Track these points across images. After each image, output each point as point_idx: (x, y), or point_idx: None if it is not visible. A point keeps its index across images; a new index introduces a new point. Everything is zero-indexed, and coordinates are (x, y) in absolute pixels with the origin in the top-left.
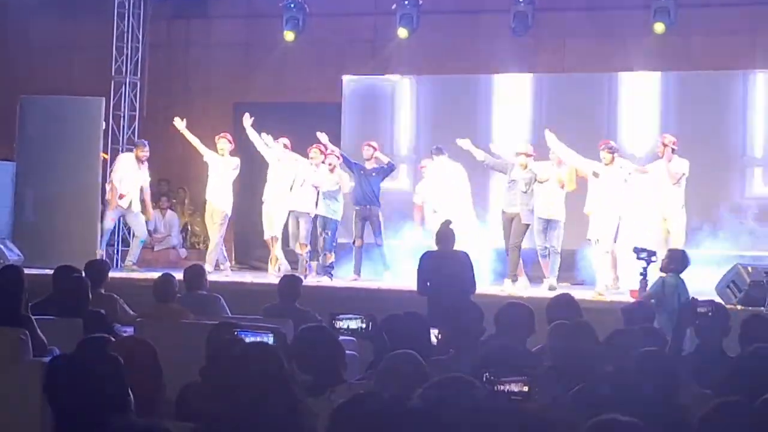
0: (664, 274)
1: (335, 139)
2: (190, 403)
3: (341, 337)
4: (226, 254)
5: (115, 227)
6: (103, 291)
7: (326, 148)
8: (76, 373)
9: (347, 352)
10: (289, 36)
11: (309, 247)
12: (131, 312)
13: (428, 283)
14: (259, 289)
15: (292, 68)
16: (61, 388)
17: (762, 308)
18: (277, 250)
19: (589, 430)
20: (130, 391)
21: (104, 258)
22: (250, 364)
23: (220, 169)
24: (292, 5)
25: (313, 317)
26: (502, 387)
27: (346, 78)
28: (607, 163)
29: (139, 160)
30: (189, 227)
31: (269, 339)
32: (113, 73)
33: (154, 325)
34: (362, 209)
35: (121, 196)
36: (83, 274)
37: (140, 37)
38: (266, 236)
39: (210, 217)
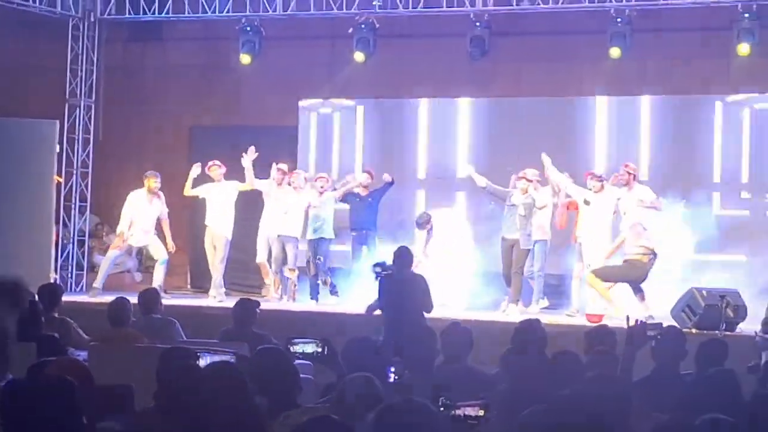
0: None
1: (292, 163)
2: (144, 427)
3: (297, 361)
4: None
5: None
6: (56, 315)
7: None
8: (29, 398)
9: (303, 376)
10: (245, 59)
11: (297, 272)
12: (85, 336)
13: (384, 306)
14: (214, 313)
15: (248, 92)
16: (14, 413)
17: (717, 332)
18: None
19: None
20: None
21: (58, 281)
22: (215, 384)
23: (216, 195)
24: (249, 29)
25: (270, 341)
26: (458, 411)
27: (303, 102)
28: (597, 191)
29: (151, 192)
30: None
31: (227, 361)
32: (68, 96)
33: (108, 349)
34: (359, 235)
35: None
36: (36, 298)
37: (95, 59)
38: (260, 260)
39: (210, 242)
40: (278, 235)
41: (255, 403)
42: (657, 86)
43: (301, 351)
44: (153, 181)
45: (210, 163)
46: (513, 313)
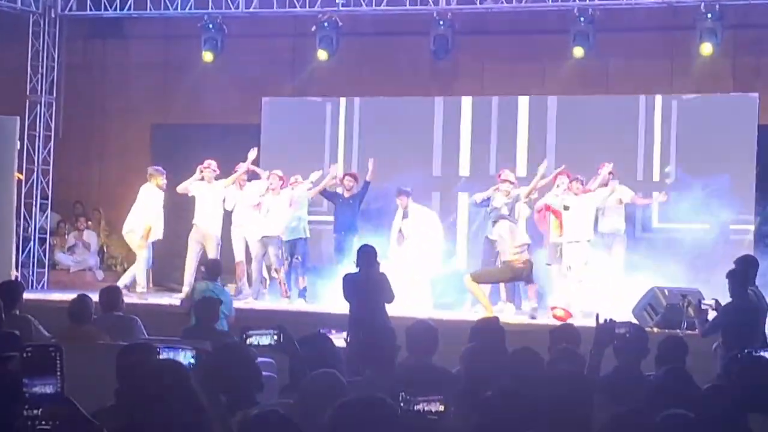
0: None
1: (254, 161)
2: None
3: (260, 359)
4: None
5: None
6: (17, 312)
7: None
8: None
9: (266, 373)
10: (207, 57)
11: (283, 270)
12: (46, 333)
13: (350, 304)
14: (176, 312)
15: (211, 89)
16: None
17: (678, 330)
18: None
19: None
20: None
21: (19, 279)
22: (159, 383)
23: (208, 196)
24: (211, 26)
25: (231, 339)
26: (418, 406)
27: (266, 99)
28: (577, 193)
29: (160, 189)
30: (105, 249)
31: (190, 355)
32: (28, 93)
33: (69, 346)
34: (341, 236)
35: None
36: None
37: (56, 56)
38: (237, 258)
39: (196, 240)
40: (261, 237)
41: (199, 402)
42: (620, 85)
43: (257, 343)
44: (161, 179)
45: (206, 163)
46: (509, 313)
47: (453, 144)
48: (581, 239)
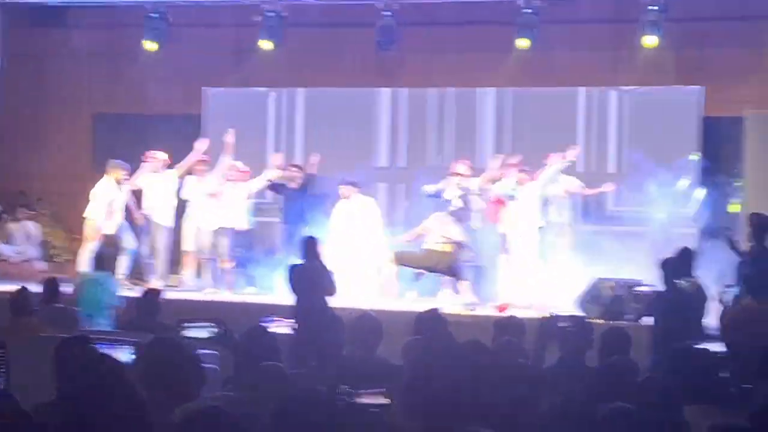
0: None
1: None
2: (43, 421)
3: (203, 351)
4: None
5: None
6: None
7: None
8: None
9: (207, 365)
10: (150, 46)
11: (234, 262)
12: None
13: (295, 295)
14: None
15: (154, 79)
16: None
17: (622, 322)
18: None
19: None
20: None
21: None
22: (96, 377)
23: (157, 185)
24: (154, 16)
25: (173, 332)
26: (360, 399)
27: (207, 90)
28: (523, 183)
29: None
30: (48, 239)
31: (128, 352)
32: None
33: (10, 339)
34: (288, 227)
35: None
36: None
37: None
38: (186, 248)
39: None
40: (218, 228)
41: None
42: (565, 77)
43: (194, 335)
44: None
45: (151, 154)
46: (458, 302)
47: (397, 135)
48: (528, 229)
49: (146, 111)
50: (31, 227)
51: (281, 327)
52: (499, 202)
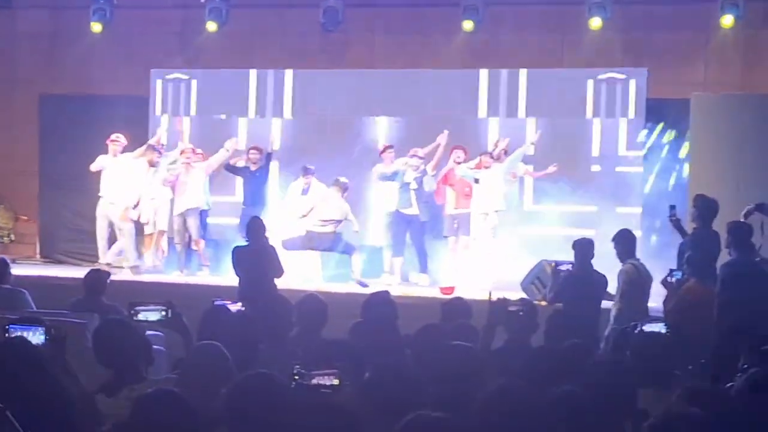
0: None
1: (144, 133)
2: None
3: (149, 332)
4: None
5: None
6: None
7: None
8: None
9: (155, 347)
10: (96, 27)
11: (204, 242)
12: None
13: (240, 276)
14: (64, 284)
15: (99, 60)
16: None
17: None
18: (163, 243)
19: (402, 428)
20: None
21: None
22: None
23: (115, 169)
24: None
25: (120, 312)
26: (312, 381)
27: (155, 71)
28: (488, 166)
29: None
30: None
31: (40, 334)
32: None
33: None
34: (247, 209)
35: None
36: None
37: None
38: (150, 231)
39: (104, 215)
40: (184, 210)
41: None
42: (510, 59)
43: (145, 319)
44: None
45: (114, 137)
46: (423, 283)
47: (345, 117)
48: (489, 210)
49: (92, 92)
50: None
51: (233, 305)
52: (446, 183)
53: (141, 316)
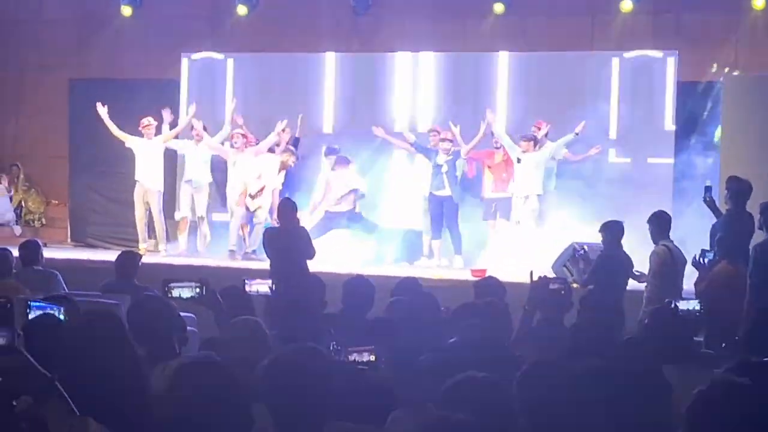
0: None
1: (175, 118)
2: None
3: (183, 314)
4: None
5: None
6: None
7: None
8: None
9: (188, 328)
10: (126, 11)
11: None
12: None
13: (271, 257)
14: (95, 267)
15: (129, 44)
16: None
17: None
18: (205, 228)
19: (447, 390)
20: None
21: None
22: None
23: (147, 151)
24: None
25: (152, 292)
26: (349, 356)
27: (186, 55)
28: (525, 150)
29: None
30: (24, 204)
31: (59, 312)
32: None
33: None
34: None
35: None
36: None
37: None
38: (181, 216)
39: (141, 197)
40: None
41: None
42: (540, 43)
43: (178, 296)
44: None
45: (146, 121)
46: (458, 265)
47: (383, 99)
48: (530, 194)
49: (122, 76)
50: (5, 192)
51: (262, 286)
52: (483, 165)
53: (175, 293)
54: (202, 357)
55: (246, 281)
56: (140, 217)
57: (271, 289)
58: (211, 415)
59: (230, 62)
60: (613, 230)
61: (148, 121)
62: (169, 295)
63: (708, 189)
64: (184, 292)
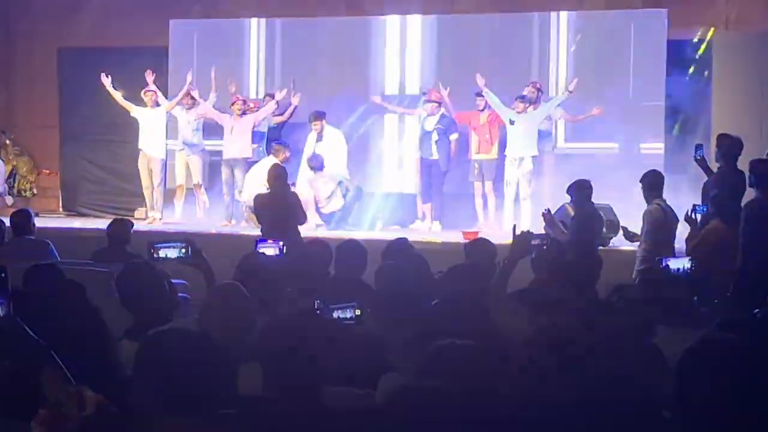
0: None
1: (163, 85)
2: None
3: (174, 281)
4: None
5: None
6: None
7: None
8: None
9: (180, 295)
10: None
11: None
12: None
13: (263, 223)
14: (86, 235)
15: (117, 12)
16: None
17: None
18: (203, 195)
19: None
20: None
21: None
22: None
23: (150, 120)
24: None
25: (142, 259)
26: (333, 314)
27: (174, 21)
28: (519, 111)
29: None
30: (16, 172)
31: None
32: None
33: None
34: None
35: None
36: None
37: None
38: (177, 183)
39: (145, 166)
40: (228, 159)
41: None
42: (530, 2)
43: (164, 256)
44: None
45: (146, 89)
46: (436, 229)
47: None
48: (526, 156)
49: (110, 44)
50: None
51: (273, 245)
52: (474, 127)
53: (161, 254)
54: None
55: (258, 242)
56: (146, 186)
57: (280, 250)
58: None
59: (217, 27)
60: (579, 188)
61: (152, 87)
62: (156, 257)
63: (698, 147)
64: (170, 252)
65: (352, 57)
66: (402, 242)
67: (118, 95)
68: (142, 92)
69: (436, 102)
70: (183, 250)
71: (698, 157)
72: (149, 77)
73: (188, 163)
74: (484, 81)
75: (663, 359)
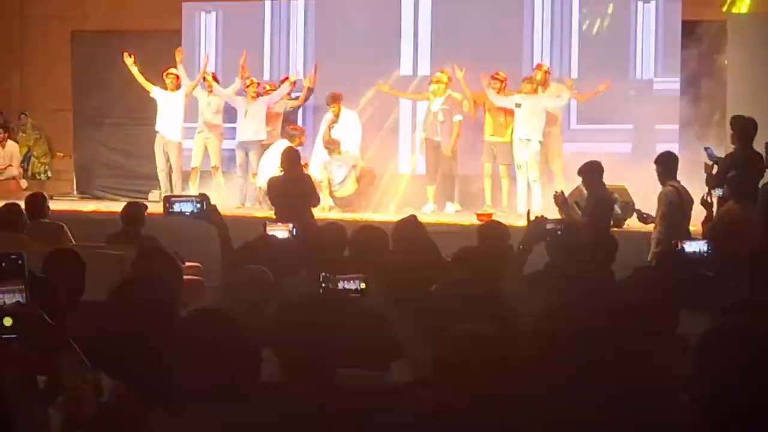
0: None
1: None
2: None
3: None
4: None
5: None
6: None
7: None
8: None
9: (194, 277)
10: None
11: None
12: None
13: (276, 205)
14: (101, 219)
15: None
16: None
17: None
18: (219, 178)
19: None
20: None
21: None
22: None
23: (169, 103)
24: None
25: (158, 243)
26: (338, 285)
27: (186, 4)
28: (527, 92)
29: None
30: (31, 155)
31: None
32: None
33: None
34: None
35: None
36: None
37: None
38: (192, 165)
39: (161, 149)
40: (240, 142)
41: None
42: None
43: (179, 210)
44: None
45: (168, 71)
46: (449, 210)
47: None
48: (533, 138)
49: (124, 27)
50: (12, 146)
51: (282, 227)
52: (488, 109)
53: (176, 208)
54: (204, 309)
55: (267, 223)
56: (161, 168)
57: (291, 233)
58: (217, 363)
59: (229, 10)
60: (590, 170)
61: (172, 70)
62: (171, 210)
63: (707, 149)
64: (185, 206)
65: (369, 36)
66: (411, 221)
67: (139, 75)
68: (164, 73)
69: (442, 83)
70: (198, 205)
71: (712, 160)
72: (179, 56)
73: (207, 145)
74: (487, 81)
75: (685, 343)
